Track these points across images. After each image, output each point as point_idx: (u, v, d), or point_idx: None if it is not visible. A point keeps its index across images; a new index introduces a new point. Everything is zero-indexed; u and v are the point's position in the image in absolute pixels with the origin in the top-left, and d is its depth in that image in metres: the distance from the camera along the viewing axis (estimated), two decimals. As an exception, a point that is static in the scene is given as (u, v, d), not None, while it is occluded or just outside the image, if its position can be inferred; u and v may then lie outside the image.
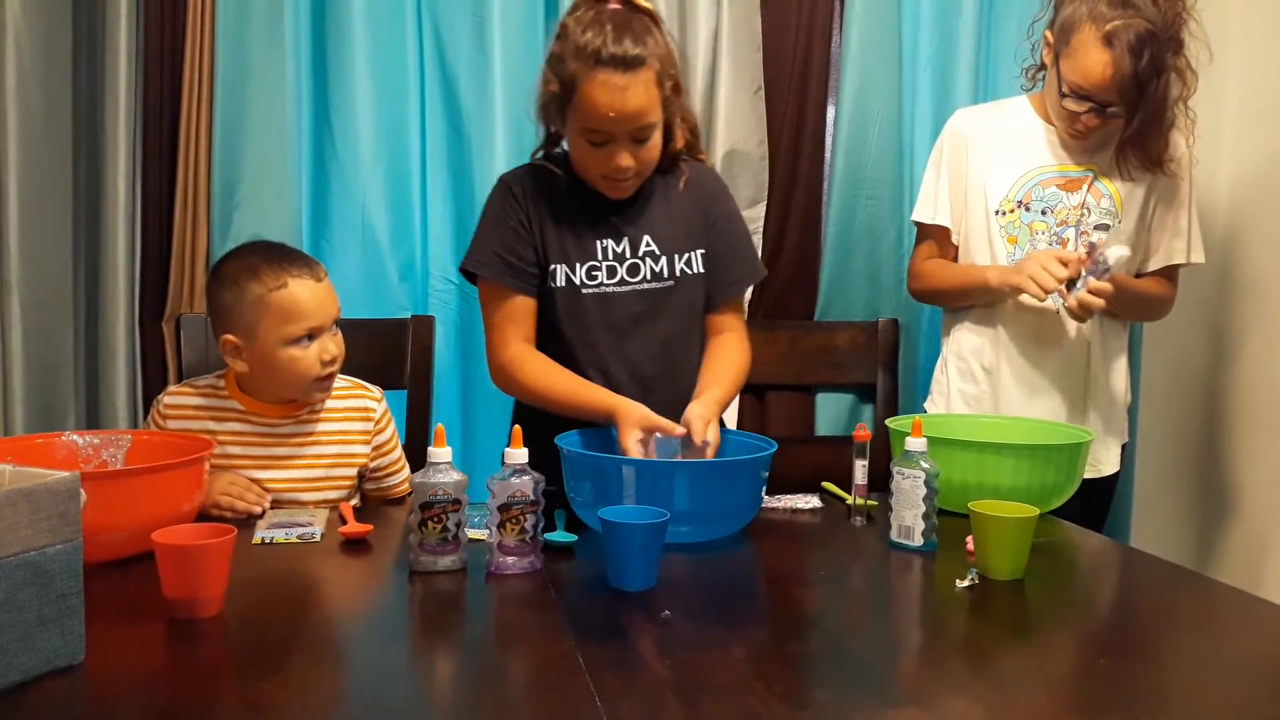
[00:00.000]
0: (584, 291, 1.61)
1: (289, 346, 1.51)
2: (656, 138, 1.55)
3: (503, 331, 1.62)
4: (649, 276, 1.63)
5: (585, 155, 1.54)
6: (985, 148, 1.88)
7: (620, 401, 1.49)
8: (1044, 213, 1.82)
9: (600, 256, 1.61)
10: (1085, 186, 1.81)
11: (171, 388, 1.62)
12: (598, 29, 1.47)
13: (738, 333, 1.71)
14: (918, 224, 1.97)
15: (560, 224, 1.60)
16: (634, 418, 1.45)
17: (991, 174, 1.86)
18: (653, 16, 1.53)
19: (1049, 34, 1.79)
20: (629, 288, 1.63)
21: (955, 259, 1.94)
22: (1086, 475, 1.79)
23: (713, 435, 1.46)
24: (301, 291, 1.51)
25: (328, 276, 1.57)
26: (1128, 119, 1.73)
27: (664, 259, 1.63)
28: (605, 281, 1.62)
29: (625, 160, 1.53)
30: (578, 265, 1.60)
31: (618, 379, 1.61)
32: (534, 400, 1.60)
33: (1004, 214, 1.84)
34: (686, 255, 1.65)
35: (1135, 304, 1.87)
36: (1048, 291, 1.70)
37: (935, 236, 1.94)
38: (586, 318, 1.61)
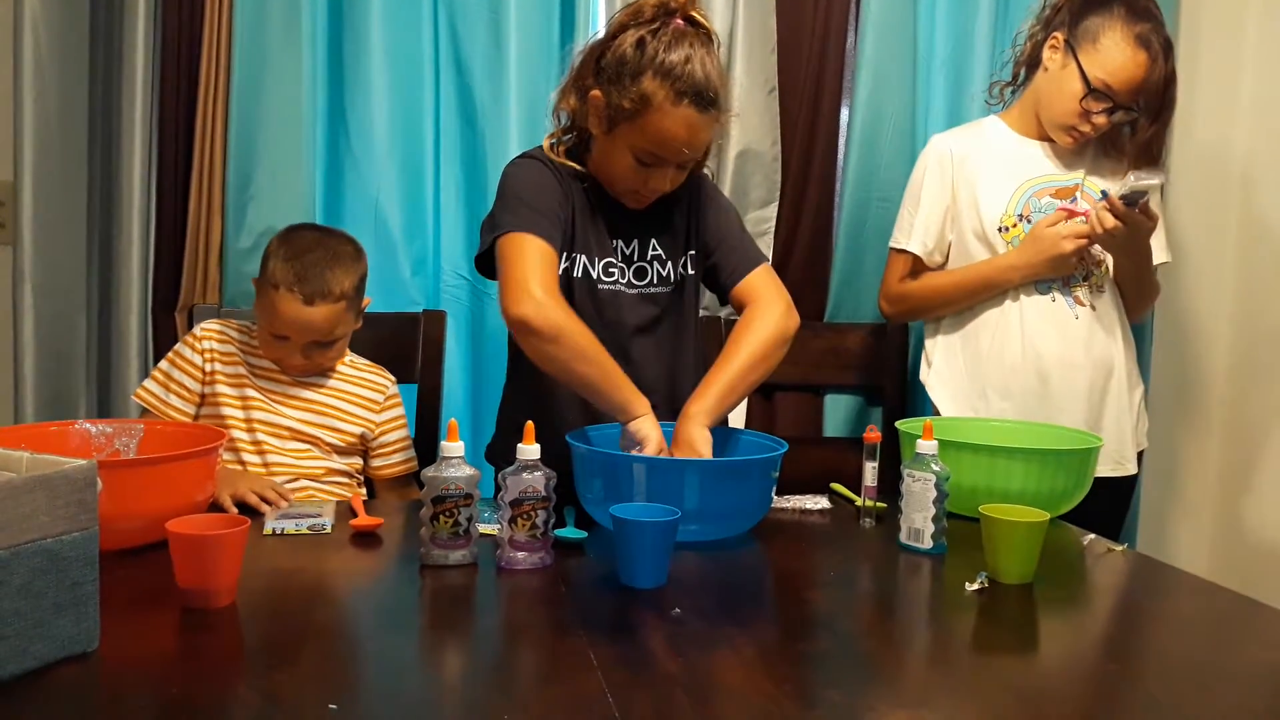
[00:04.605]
0: (600, 287, 1.61)
1: (267, 330, 1.67)
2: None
3: (540, 275, 1.45)
4: (655, 281, 1.64)
5: (626, 170, 1.53)
6: (970, 169, 1.90)
7: (646, 414, 1.46)
8: None
9: (615, 256, 1.61)
10: (1078, 193, 1.83)
11: (207, 320, 1.75)
12: (685, 59, 1.43)
13: (766, 297, 1.62)
14: (894, 250, 1.97)
15: (583, 215, 1.59)
16: (655, 441, 1.44)
17: (982, 194, 1.88)
18: (713, 36, 1.51)
19: (1059, 36, 1.81)
20: (636, 290, 1.63)
21: None
22: (1109, 473, 1.80)
23: (701, 448, 1.44)
24: (283, 305, 1.63)
25: (335, 301, 1.64)
26: (1150, 120, 1.78)
27: (670, 263, 1.65)
28: (619, 280, 1.62)
29: (666, 184, 1.54)
30: (597, 260, 1.60)
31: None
32: (555, 352, 1.43)
33: (1007, 229, 1.86)
34: (683, 258, 1.67)
35: (1145, 261, 1.86)
36: (1082, 238, 1.77)
37: (910, 264, 1.95)
38: (600, 314, 1.60)
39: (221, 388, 1.67)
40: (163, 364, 1.70)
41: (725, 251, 1.67)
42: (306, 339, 1.65)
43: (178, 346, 1.71)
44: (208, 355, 1.68)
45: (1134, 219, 1.72)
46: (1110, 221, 1.73)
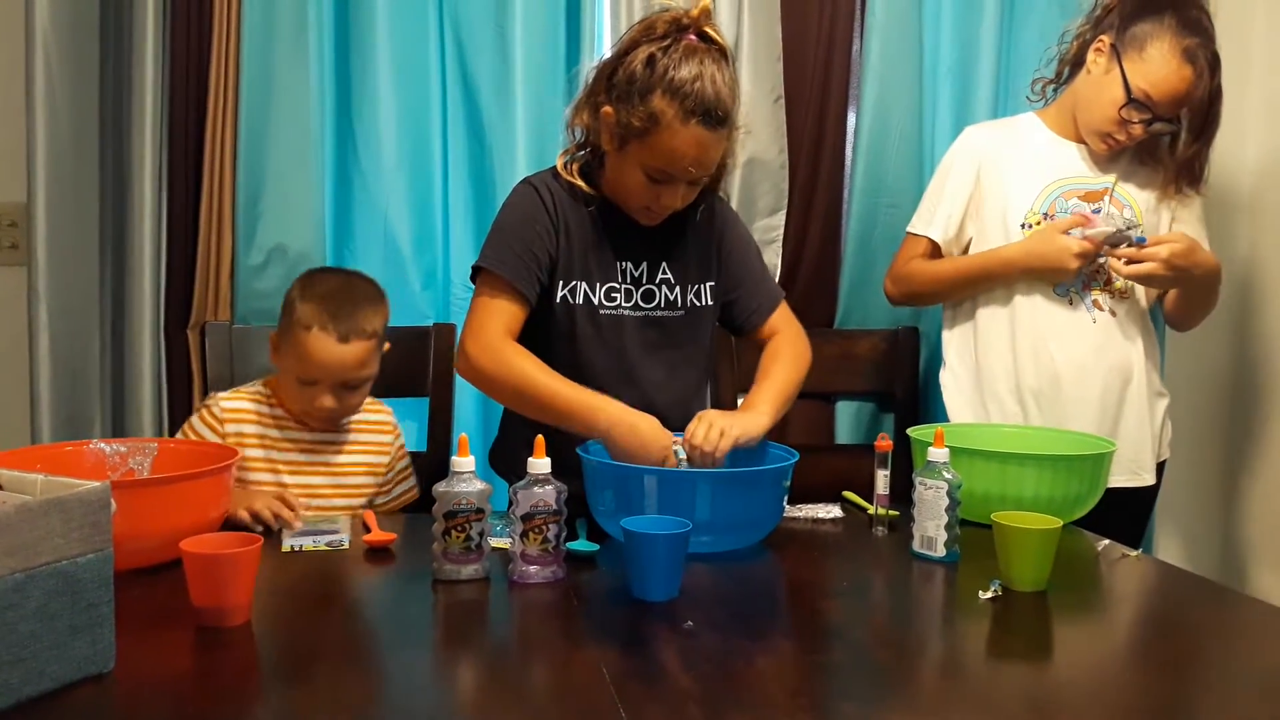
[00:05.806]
0: (601, 312, 1.60)
1: (297, 377, 1.61)
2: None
3: (495, 320, 1.53)
4: (662, 304, 1.63)
5: (637, 186, 1.52)
6: (1001, 163, 1.89)
7: (640, 417, 1.45)
8: None
9: (619, 279, 1.61)
10: (1106, 197, 1.81)
11: (223, 393, 1.69)
12: (695, 76, 1.43)
13: (786, 331, 1.72)
14: (910, 234, 1.97)
15: (584, 240, 1.59)
16: (662, 445, 1.43)
17: (1010, 189, 1.87)
18: (726, 53, 1.50)
19: (1106, 39, 1.78)
20: (642, 313, 1.62)
21: None
22: (1125, 483, 1.79)
23: (710, 440, 1.43)
24: (316, 345, 1.58)
25: (368, 339, 1.60)
26: (1193, 137, 1.77)
27: (678, 288, 1.64)
28: (622, 304, 1.61)
29: (678, 200, 1.54)
30: (598, 285, 1.59)
31: (626, 404, 1.55)
32: (514, 388, 1.51)
33: (1029, 226, 1.84)
34: (697, 287, 1.66)
35: (1205, 278, 1.81)
36: (1087, 257, 1.77)
37: (925, 249, 1.94)
38: (601, 339, 1.59)
39: (251, 474, 1.61)
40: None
41: (747, 292, 1.71)
42: (337, 379, 1.60)
43: (195, 424, 1.64)
44: (233, 440, 1.61)
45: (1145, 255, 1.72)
46: (1129, 269, 1.72)
